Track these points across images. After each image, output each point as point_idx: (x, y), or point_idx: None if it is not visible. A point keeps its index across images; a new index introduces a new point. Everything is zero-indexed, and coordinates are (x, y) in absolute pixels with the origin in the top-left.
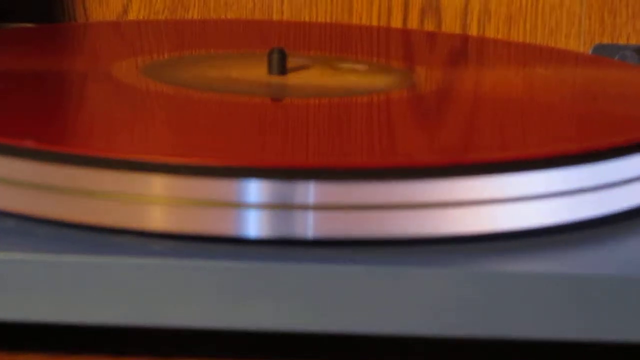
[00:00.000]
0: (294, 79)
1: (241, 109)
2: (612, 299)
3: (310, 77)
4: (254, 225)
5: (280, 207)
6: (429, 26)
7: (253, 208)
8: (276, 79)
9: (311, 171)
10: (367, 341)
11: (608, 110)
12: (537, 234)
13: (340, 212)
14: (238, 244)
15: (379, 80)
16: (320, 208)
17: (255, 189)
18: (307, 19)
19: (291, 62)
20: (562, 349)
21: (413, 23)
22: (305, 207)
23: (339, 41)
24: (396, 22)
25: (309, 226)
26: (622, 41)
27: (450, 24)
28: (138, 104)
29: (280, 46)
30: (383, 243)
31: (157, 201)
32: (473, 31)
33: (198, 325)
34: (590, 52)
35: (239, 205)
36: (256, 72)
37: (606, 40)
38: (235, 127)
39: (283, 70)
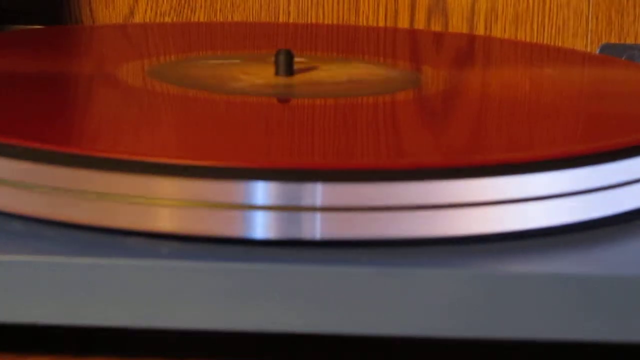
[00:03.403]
0: (301, 79)
1: (248, 110)
2: (616, 300)
3: (317, 78)
4: (262, 227)
5: (287, 208)
6: (436, 27)
7: (260, 209)
8: (283, 80)
9: (318, 172)
10: (373, 342)
11: (616, 110)
12: (541, 234)
13: (347, 213)
14: (245, 246)
15: (386, 81)
16: (327, 209)
17: (262, 190)
18: (313, 19)
19: (298, 63)
20: (566, 350)
21: (420, 24)
22: (312, 209)
23: (345, 42)
24: (403, 23)
25: (316, 227)
26: (629, 41)
27: (457, 25)
28: (145, 105)
29: (287, 47)
30: (390, 244)
31: (165, 203)
32: (480, 31)
33: (206, 327)
34: (597, 51)
35: (247, 207)
36: (263, 73)
37: (614, 40)
38: (243, 128)
39: (290, 71)
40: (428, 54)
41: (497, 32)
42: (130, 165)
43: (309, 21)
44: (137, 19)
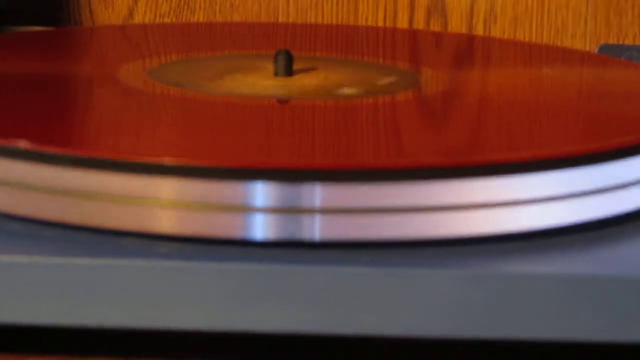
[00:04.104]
0: (300, 80)
1: (248, 111)
2: (616, 300)
3: (316, 79)
4: (261, 228)
5: (287, 209)
6: (435, 27)
7: (260, 210)
8: (282, 81)
9: (318, 173)
10: (373, 343)
11: (615, 110)
12: (542, 235)
13: (346, 214)
14: (245, 247)
15: (385, 81)
16: (327, 210)
17: (262, 191)
18: (313, 20)
19: (297, 63)
20: (566, 350)
21: (419, 24)
22: (311, 209)
23: (345, 42)
24: (402, 24)
25: (315, 228)
26: (628, 42)
27: (456, 25)
28: (145, 106)
29: (287, 48)
30: (389, 245)
31: (164, 203)
32: (479, 32)
33: (204, 328)
34: (596, 52)
35: (246, 208)
36: (262, 73)
37: (612, 41)
38: (242, 129)
39: (289, 71)
40: (427, 54)
41: (496, 33)
42: (130, 166)
43: (308, 22)
44: (137, 20)
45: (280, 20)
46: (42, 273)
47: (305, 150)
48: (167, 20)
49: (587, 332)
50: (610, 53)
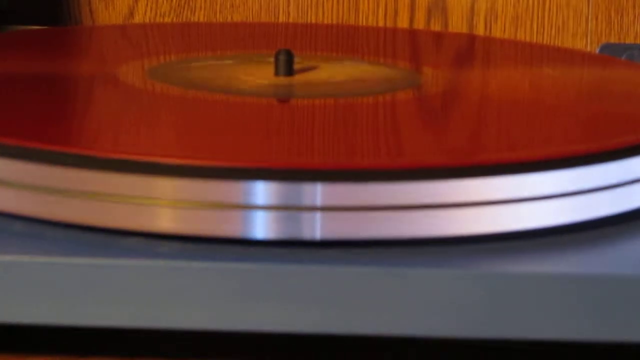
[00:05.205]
0: (300, 79)
1: (248, 111)
2: (616, 300)
3: (317, 78)
4: (262, 227)
5: (287, 208)
6: (436, 27)
7: (260, 209)
8: (283, 80)
9: (318, 172)
10: (373, 342)
11: (615, 110)
12: (542, 234)
13: (347, 213)
14: (245, 246)
15: (386, 81)
16: (327, 209)
17: (262, 190)
18: (313, 19)
19: (298, 63)
20: (566, 349)
21: (419, 24)
22: (312, 208)
23: (345, 42)
24: (402, 23)
25: (316, 227)
26: (629, 40)
27: (457, 24)
28: (145, 106)
29: (287, 47)
30: (390, 244)
31: (165, 203)
32: (480, 31)
33: (205, 327)
34: (597, 51)
35: (247, 207)
36: (263, 73)
37: (613, 40)
38: (243, 128)
39: (290, 71)
40: (428, 54)
41: (496, 32)
42: (130, 165)
43: (309, 21)
44: (137, 19)
45: (280, 19)
46: (42, 273)
47: (306, 149)
48: (167, 19)
49: (587, 332)
50: (612, 52)
